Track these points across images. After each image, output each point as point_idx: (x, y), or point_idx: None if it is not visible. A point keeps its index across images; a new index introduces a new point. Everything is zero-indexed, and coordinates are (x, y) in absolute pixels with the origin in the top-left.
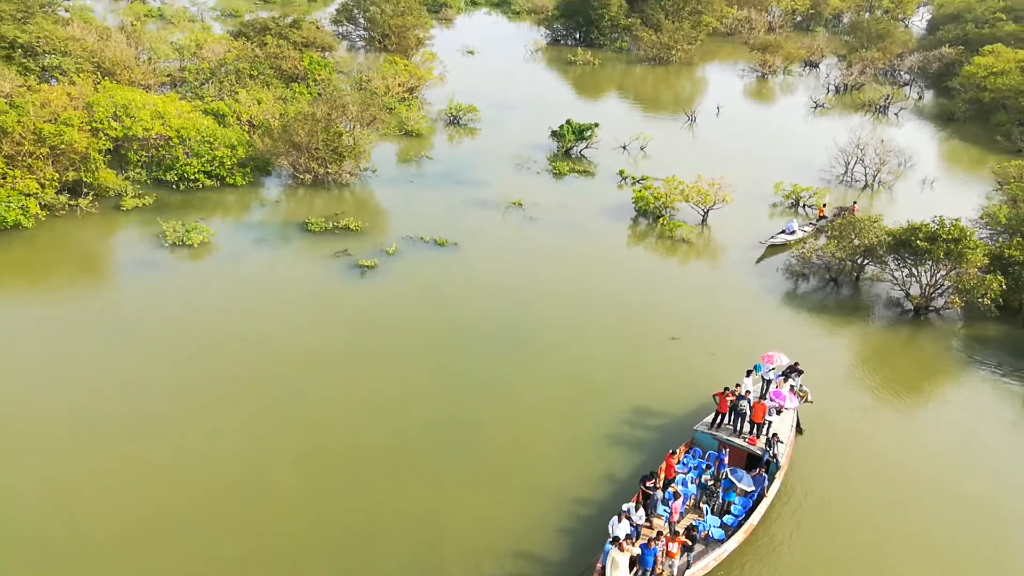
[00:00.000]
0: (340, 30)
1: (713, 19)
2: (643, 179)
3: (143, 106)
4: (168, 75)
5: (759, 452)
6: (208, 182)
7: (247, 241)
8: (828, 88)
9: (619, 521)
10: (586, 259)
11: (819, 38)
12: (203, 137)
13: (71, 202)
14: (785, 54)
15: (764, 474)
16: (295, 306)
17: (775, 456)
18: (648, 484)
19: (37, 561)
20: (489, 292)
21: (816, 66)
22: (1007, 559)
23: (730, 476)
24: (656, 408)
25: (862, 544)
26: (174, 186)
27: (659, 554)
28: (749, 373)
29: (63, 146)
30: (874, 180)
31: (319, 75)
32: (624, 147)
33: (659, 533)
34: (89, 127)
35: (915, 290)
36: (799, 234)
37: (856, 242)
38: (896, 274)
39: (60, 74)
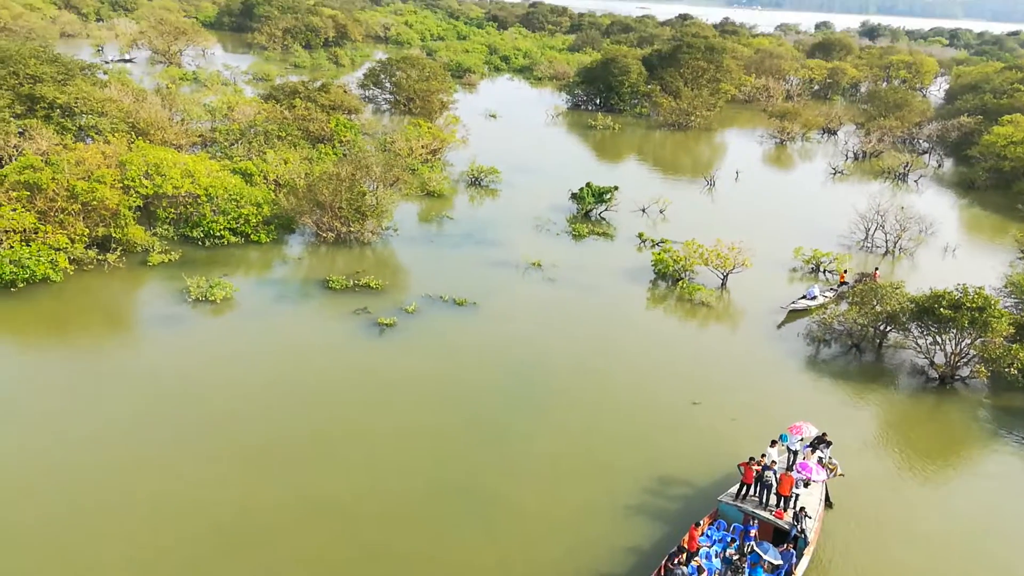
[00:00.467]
0: (367, 93)
1: (731, 87)
2: (662, 242)
3: (174, 165)
4: (200, 135)
5: (786, 527)
6: (233, 239)
7: (269, 297)
8: (847, 155)
9: None
10: (605, 321)
11: (837, 106)
12: (230, 195)
13: (99, 256)
14: (803, 121)
15: (792, 550)
16: (314, 362)
17: (803, 531)
18: (674, 562)
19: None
20: (507, 352)
21: (834, 133)
22: None
23: (757, 549)
24: (677, 475)
25: None
26: (200, 242)
27: None
28: (774, 443)
29: (95, 203)
30: (895, 247)
31: (345, 136)
32: (643, 210)
33: None
34: (121, 184)
35: (940, 358)
36: (820, 300)
37: (878, 308)
38: (920, 342)
39: (96, 133)
